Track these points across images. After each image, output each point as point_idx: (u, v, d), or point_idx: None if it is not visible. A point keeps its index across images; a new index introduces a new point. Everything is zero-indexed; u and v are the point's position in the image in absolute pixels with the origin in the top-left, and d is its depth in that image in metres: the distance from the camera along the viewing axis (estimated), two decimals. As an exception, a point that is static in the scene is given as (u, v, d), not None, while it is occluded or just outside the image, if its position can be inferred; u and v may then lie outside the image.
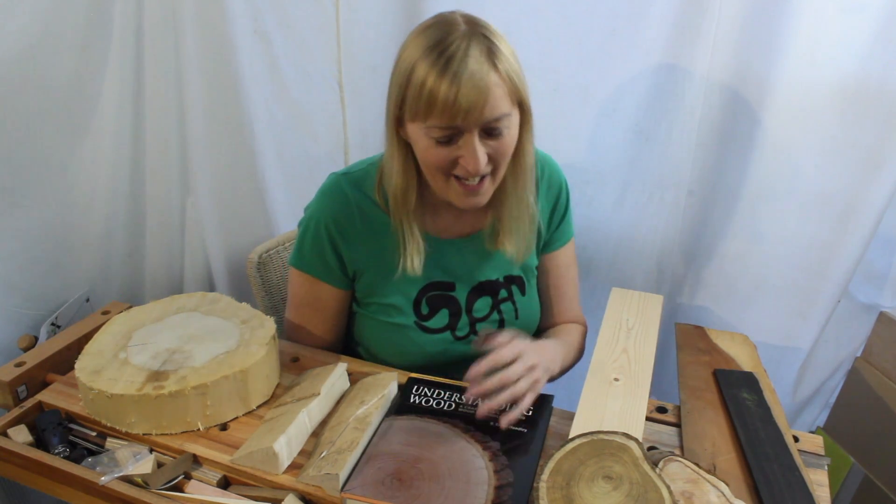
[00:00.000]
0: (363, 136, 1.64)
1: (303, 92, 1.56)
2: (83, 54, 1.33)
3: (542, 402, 1.07)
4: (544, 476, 0.85)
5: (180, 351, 1.07)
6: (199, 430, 1.02)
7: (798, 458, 0.97)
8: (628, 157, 1.49)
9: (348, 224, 1.14)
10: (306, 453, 0.99)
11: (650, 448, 1.00)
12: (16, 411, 1.07)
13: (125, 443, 1.02)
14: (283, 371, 1.16)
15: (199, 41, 1.41)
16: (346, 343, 1.31)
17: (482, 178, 1.04)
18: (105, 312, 1.30)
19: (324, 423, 1.04)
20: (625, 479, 0.84)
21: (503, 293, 1.22)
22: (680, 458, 0.91)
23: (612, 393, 1.02)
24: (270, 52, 1.49)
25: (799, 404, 1.65)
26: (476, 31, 0.98)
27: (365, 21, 1.50)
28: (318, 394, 1.04)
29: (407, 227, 1.11)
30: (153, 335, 1.11)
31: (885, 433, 1.42)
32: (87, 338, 1.16)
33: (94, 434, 1.04)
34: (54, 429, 1.03)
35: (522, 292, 1.23)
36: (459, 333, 1.20)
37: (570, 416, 1.00)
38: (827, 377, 1.62)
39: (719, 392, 1.11)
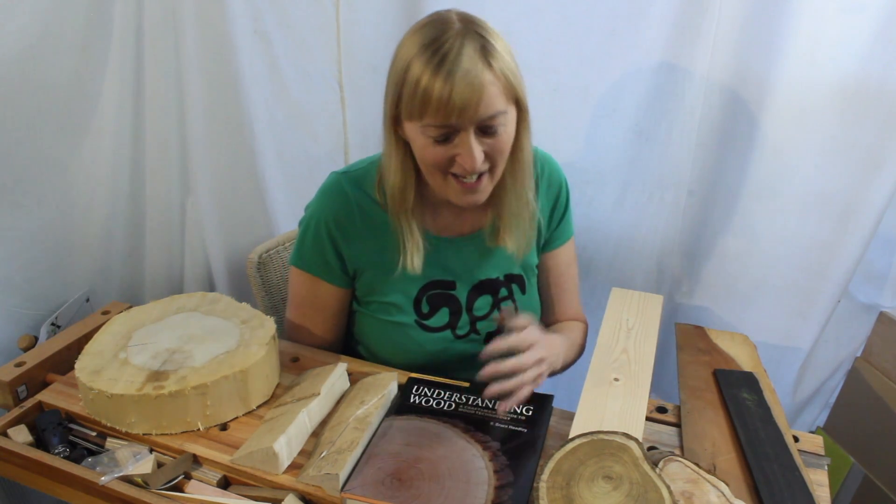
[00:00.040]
0: (363, 136, 1.64)
1: (303, 92, 1.56)
2: (83, 54, 1.33)
3: (542, 402, 1.07)
4: (544, 476, 0.85)
5: (180, 351, 1.07)
6: (199, 430, 1.02)
7: (798, 458, 0.97)
8: (628, 157, 1.49)
9: (349, 223, 1.14)
10: (306, 453, 0.99)
11: (650, 448, 1.00)
12: (16, 411, 1.07)
13: (125, 443, 1.02)
14: (283, 371, 1.16)
15: (199, 41, 1.41)
16: (347, 342, 1.31)
17: (480, 175, 1.04)
18: (105, 312, 1.30)
19: (324, 423, 1.04)
20: (625, 479, 0.84)
21: (503, 292, 1.22)
22: (680, 458, 0.91)
23: (612, 393, 1.02)
24: (270, 52, 1.49)
25: (799, 404, 1.65)
26: (470, 29, 0.98)
27: (365, 21, 1.50)
28: (318, 394, 1.04)
29: (406, 225, 1.11)
30: (153, 335, 1.11)
31: (885, 433, 1.42)
32: (87, 338, 1.16)
33: (94, 434, 1.04)
34: (54, 429, 1.03)
35: (523, 291, 1.24)
36: (460, 332, 1.20)
37: (570, 416, 1.00)
38: (827, 377, 1.62)
39: (719, 392, 1.11)
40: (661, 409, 1.10)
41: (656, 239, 1.54)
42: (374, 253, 1.16)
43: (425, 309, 1.19)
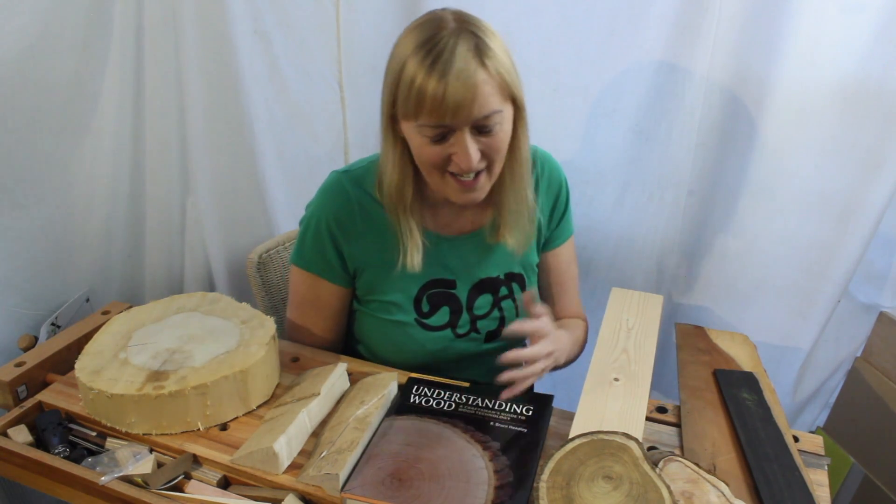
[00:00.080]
0: (363, 136, 1.64)
1: (303, 92, 1.56)
2: (83, 54, 1.33)
3: (542, 402, 1.07)
4: (544, 476, 0.85)
5: (180, 351, 1.07)
6: (199, 430, 1.02)
7: (798, 458, 0.97)
8: (628, 157, 1.49)
9: (349, 221, 1.14)
10: (306, 453, 0.99)
11: (650, 448, 1.00)
12: (16, 411, 1.07)
13: (125, 443, 1.02)
14: (283, 371, 1.16)
15: (199, 41, 1.41)
16: (347, 342, 1.31)
17: (477, 173, 1.04)
18: (105, 312, 1.30)
19: (324, 423, 1.04)
20: (625, 479, 0.84)
21: (504, 290, 1.22)
22: (680, 458, 0.91)
23: (612, 393, 1.02)
24: (270, 52, 1.49)
25: (799, 404, 1.65)
26: (464, 28, 0.98)
27: (365, 21, 1.50)
28: (318, 394, 1.04)
29: (405, 223, 1.11)
30: (153, 335, 1.11)
31: (885, 433, 1.42)
32: (87, 338, 1.16)
33: (94, 434, 1.04)
34: (54, 429, 1.03)
35: (523, 289, 1.24)
36: (460, 331, 1.20)
37: (570, 416, 1.00)
38: (827, 377, 1.62)
39: (719, 392, 1.11)
40: (661, 409, 1.10)
41: (656, 239, 1.54)
42: (375, 252, 1.16)
43: (425, 308, 1.19)
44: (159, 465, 0.98)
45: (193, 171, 1.54)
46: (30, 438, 1.02)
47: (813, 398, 1.66)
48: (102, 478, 0.93)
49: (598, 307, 1.26)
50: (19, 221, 1.32)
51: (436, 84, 0.95)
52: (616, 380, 1.05)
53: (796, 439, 1.03)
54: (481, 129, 1.00)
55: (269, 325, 1.13)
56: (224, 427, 1.04)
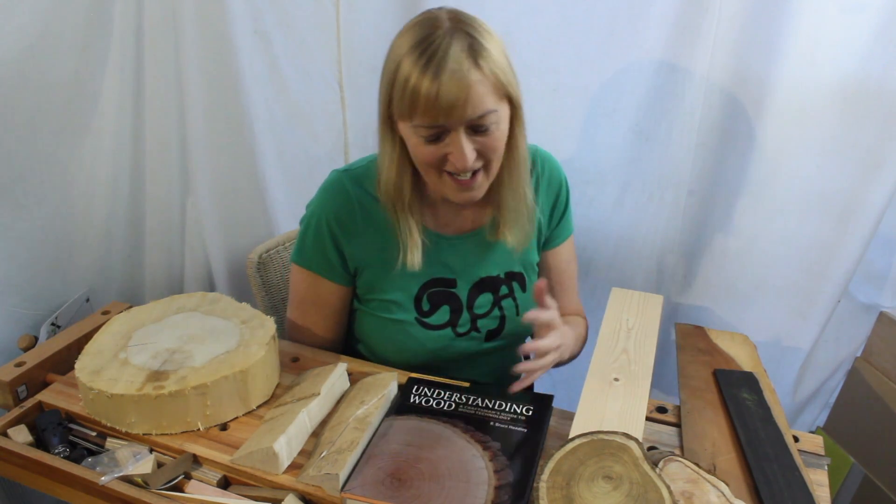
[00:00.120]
0: (363, 136, 1.64)
1: (303, 92, 1.56)
2: (83, 54, 1.33)
3: (542, 402, 1.07)
4: (544, 476, 0.85)
5: (180, 351, 1.07)
6: (199, 430, 1.02)
7: (798, 458, 0.97)
8: (628, 157, 1.49)
9: (349, 220, 1.14)
10: (306, 453, 0.99)
11: (650, 448, 1.00)
12: (16, 411, 1.07)
13: (125, 443, 1.02)
14: (283, 371, 1.16)
15: (199, 41, 1.41)
16: (347, 341, 1.31)
17: (475, 172, 1.04)
18: (105, 312, 1.30)
19: (324, 423, 1.04)
20: (625, 479, 0.84)
21: (504, 289, 1.22)
22: (680, 458, 0.91)
23: (612, 393, 1.02)
24: (270, 52, 1.49)
25: (799, 404, 1.65)
26: (459, 27, 0.98)
27: (365, 21, 1.50)
28: (318, 394, 1.04)
29: (404, 222, 1.11)
30: (153, 335, 1.11)
31: (885, 433, 1.42)
32: (87, 338, 1.16)
33: (94, 434, 1.04)
34: (54, 429, 1.03)
35: (523, 289, 1.24)
36: (460, 330, 1.20)
37: (570, 416, 1.00)
38: (827, 377, 1.62)
39: (719, 392, 1.11)
40: (661, 409, 1.10)
41: (656, 239, 1.54)
42: (375, 250, 1.16)
43: (426, 307, 1.19)
44: (159, 465, 0.98)
45: (193, 171, 1.54)
46: (30, 438, 1.02)
47: (813, 398, 1.66)
48: (102, 478, 0.93)
49: (598, 307, 1.26)
50: (19, 221, 1.32)
51: (429, 84, 0.95)
52: (616, 380, 1.05)
53: (796, 439, 1.03)
54: (476, 128, 1.00)
55: (270, 325, 1.13)
56: (224, 427, 1.04)
